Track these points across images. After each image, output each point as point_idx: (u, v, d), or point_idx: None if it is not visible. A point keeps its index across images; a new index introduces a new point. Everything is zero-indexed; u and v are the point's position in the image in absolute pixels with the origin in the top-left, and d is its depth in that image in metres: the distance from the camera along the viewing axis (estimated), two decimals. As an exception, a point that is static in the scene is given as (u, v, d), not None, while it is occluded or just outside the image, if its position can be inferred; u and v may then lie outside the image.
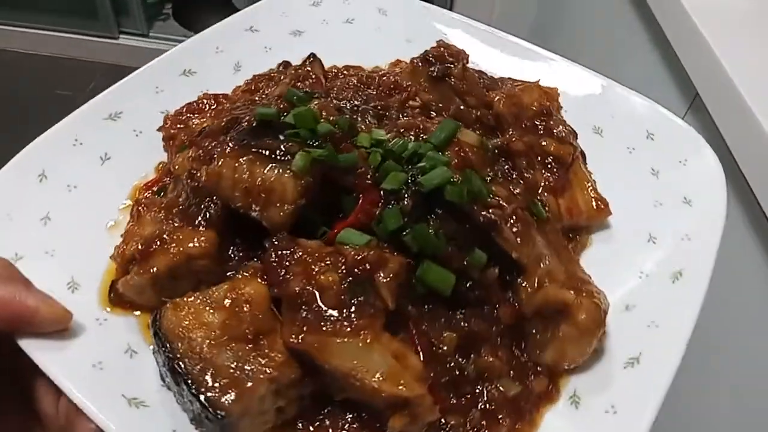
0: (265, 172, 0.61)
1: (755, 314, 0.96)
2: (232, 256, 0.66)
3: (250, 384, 0.53)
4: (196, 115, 0.83)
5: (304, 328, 0.55)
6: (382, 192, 0.64)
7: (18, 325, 0.60)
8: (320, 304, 0.56)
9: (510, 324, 0.65)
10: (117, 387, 0.59)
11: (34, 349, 0.59)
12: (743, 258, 0.96)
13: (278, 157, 0.62)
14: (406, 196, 0.63)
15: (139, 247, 0.64)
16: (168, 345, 0.56)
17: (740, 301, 0.99)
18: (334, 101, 0.77)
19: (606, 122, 0.93)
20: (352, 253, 0.58)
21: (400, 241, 0.62)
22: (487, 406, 0.60)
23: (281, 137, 0.64)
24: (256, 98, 0.82)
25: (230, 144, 0.63)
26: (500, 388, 0.61)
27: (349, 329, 0.55)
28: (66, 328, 0.62)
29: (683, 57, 1.12)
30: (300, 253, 0.59)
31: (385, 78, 0.88)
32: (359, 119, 0.80)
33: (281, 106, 0.68)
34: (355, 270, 0.57)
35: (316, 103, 0.70)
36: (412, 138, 0.75)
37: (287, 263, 0.59)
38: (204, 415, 0.53)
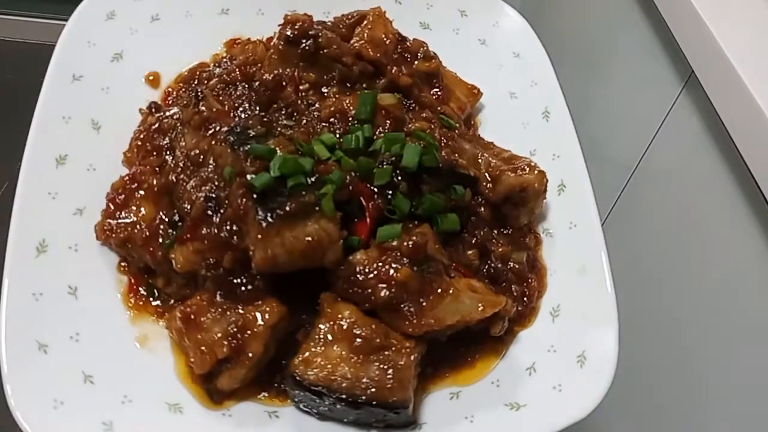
0: (307, 230, 0.69)
1: (755, 298, 0.96)
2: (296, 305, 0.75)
3: (406, 373, 0.70)
4: (126, 210, 0.81)
5: (416, 317, 0.71)
6: (373, 187, 0.77)
7: None
8: (411, 294, 0.71)
9: (491, 218, 0.87)
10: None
11: None
12: (738, 228, 0.98)
13: (305, 211, 0.69)
14: (398, 180, 0.77)
15: (231, 345, 0.70)
16: (329, 391, 0.68)
17: (738, 276, 0.99)
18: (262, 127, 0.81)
19: (427, 16, 1.09)
20: (404, 244, 0.72)
21: (413, 214, 0.77)
22: (518, 276, 0.84)
23: (285, 192, 0.70)
24: (176, 159, 0.81)
25: (261, 223, 0.68)
26: (516, 261, 0.85)
27: (440, 295, 0.72)
28: None
29: (678, 34, 1.07)
30: (364, 269, 0.72)
31: (257, 74, 0.91)
32: (278, 128, 0.85)
33: (257, 165, 0.72)
34: (415, 256, 0.72)
35: (271, 141, 0.75)
36: (338, 124, 0.85)
37: (363, 280, 0.71)
38: (393, 414, 0.69)
